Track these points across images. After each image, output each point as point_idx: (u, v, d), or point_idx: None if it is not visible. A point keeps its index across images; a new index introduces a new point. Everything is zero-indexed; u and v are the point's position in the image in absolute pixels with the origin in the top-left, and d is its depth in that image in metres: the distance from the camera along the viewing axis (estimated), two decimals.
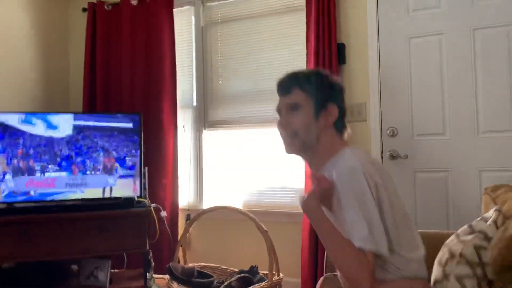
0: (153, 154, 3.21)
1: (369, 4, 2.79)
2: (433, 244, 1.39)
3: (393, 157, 2.71)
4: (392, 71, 2.75)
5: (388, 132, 2.73)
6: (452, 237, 1.32)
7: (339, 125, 1.36)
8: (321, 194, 1.24)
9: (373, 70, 2.77)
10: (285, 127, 1.34)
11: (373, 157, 1.31)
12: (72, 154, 2.76)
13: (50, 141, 2.73)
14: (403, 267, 1.22)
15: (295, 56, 3.02)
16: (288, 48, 3.06)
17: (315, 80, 1.36)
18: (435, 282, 1.25)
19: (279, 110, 1.38)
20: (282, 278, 2.42)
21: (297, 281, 2.86)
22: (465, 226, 1.35)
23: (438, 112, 2.63)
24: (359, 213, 1.16)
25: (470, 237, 1.25)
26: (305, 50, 2.88)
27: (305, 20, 2.89)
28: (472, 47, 2.56)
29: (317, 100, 1.32)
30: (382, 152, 2.75)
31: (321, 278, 1.77)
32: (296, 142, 1.32)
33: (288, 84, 1.36)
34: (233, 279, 2.45)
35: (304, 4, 2.89)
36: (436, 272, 1.26)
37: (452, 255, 1.23)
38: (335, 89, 1.37)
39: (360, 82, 2.82)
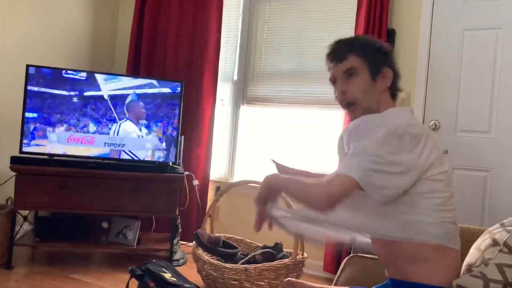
0: (190, 123, 3.25)
1: None
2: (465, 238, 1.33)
3: None
4: (442, 62, 2.66)
5: (430, 124, 2.66)
6: (496, 225, 1.27)
7: (394, 89, 1.31)
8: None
9: (422, 60, 2.69)
10: (343, 95, 1.28)
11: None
12: (113, 114, 2.83)
13: (93, 100, 2.80)
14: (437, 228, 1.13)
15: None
16: (336, 30, 2.99)
17: (367, 44, 1.32)
18: (469, 265, 1.19)
19: (333, 79, 1.32)
20: (306, 258, 2.43)
21: (319, 264, 2.86)
22: (497, 225, 1.30)
23: (485, 109, 2.54)
24: (361, 147, 1.12)
25: None
26: (353, 33, 2.81)
27: (356, 2, 2.82)
28: None
29: (372, 63, 1.27)
30: None
31: (346, 258, 1.76)
32: (357, 111, 1.27)
33: (342, 50, 1.29)
34: (257, 252, 2.48)
35: None
36: (472, 256, 1.21)
37: (495, 242, 1.17)
38: (386, 52, 1.32)
39: (407, 70, 2.73)
